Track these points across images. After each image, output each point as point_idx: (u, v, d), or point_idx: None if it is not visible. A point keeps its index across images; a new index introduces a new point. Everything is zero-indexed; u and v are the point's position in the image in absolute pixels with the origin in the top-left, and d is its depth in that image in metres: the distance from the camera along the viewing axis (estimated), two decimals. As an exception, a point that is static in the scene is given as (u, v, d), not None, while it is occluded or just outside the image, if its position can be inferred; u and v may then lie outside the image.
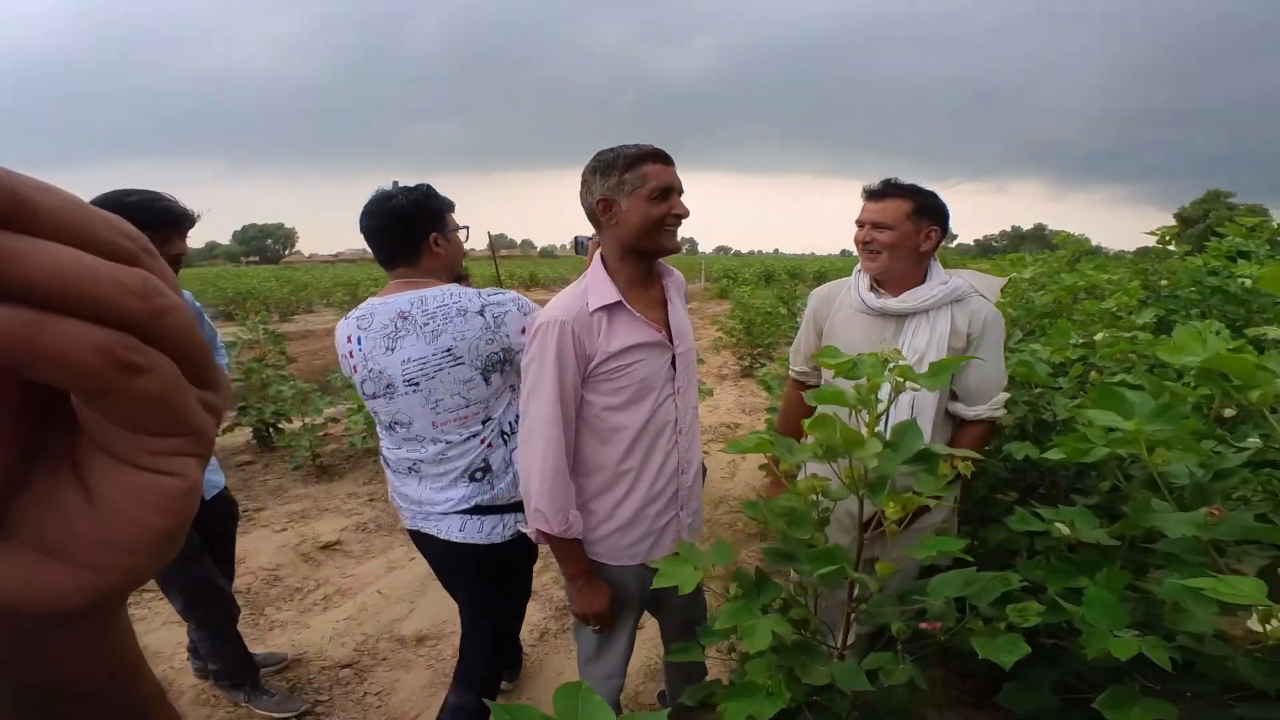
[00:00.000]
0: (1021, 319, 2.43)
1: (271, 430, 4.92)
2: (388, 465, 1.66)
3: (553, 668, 2.42)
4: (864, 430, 0.97)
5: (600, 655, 1.61)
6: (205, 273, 36.42)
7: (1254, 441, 1.27)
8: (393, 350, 1.49)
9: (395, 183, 1.59)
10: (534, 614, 2.68)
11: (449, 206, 1.62)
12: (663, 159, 1.36)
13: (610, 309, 1.37)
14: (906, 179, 1.62)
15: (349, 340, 1.56)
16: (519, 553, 1.68)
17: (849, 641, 1.21)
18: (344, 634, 2.67)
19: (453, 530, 1.59)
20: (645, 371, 1.41)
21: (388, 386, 1.52)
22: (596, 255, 1.45)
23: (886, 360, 0.95)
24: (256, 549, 3.37)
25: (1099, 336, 1.80)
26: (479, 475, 1.56)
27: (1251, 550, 1.10)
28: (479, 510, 1.57)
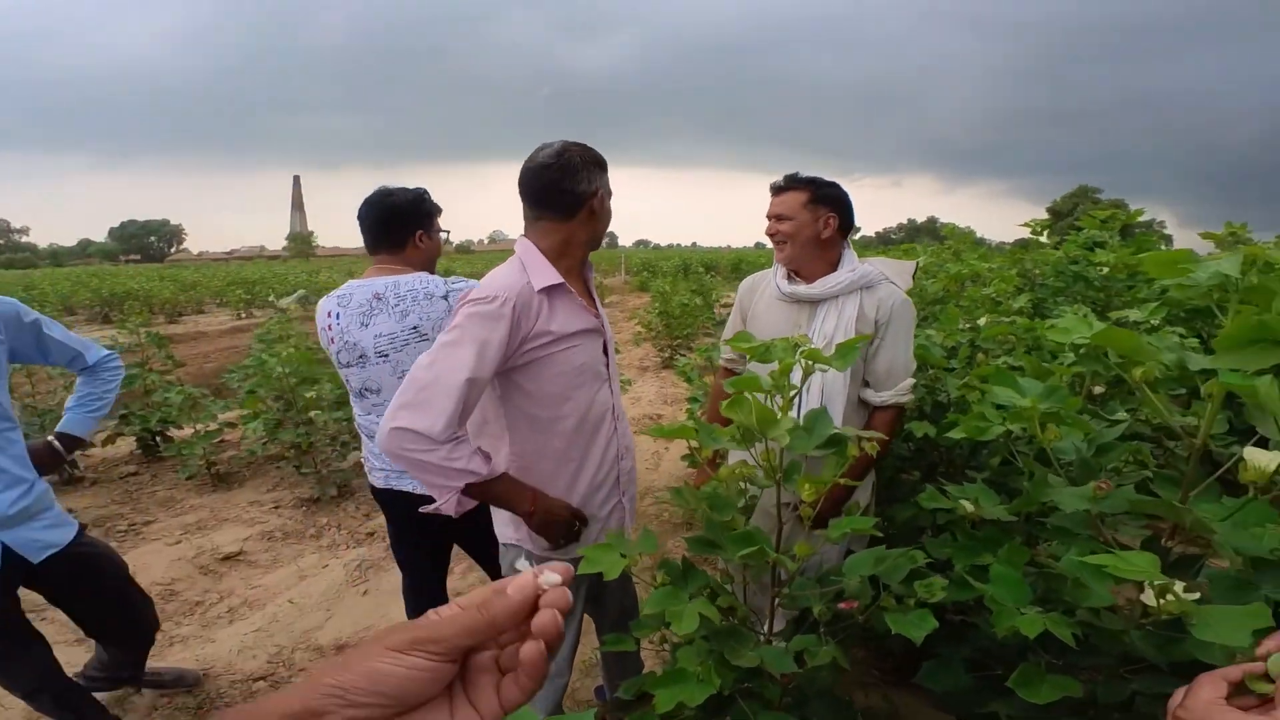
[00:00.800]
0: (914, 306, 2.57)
1: (158, 439, 4.56)
2: (361, 430, 1.87)
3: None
4: (778, 413, 1.01)
5: None
6: (77, 272, 33.07)
7: (1123, 415, 1.40)
8: (366, 325, 1.71)
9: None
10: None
11: (437, 211, 1.86)
12: None
13: (552, 291, 1.36)
14: (812, 173, 1.69)
15: (329, 315, 1.76)
16: None
17: (776, 628, 1.25)
18: (254, 646, 2.54)
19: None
20: (584, 357, 1.41)
21: (360, 356, 1.73)
22: (526, 242, 1.41)
23: (797, 344, 0.99)
24: (147, 564, 3.14)
25: (981, 321, 1.94)
26: None
27: (1126, 520, 1.16)
28: None
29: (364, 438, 1.87)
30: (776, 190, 1.72)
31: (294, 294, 15.88)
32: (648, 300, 10.31)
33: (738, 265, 23.26)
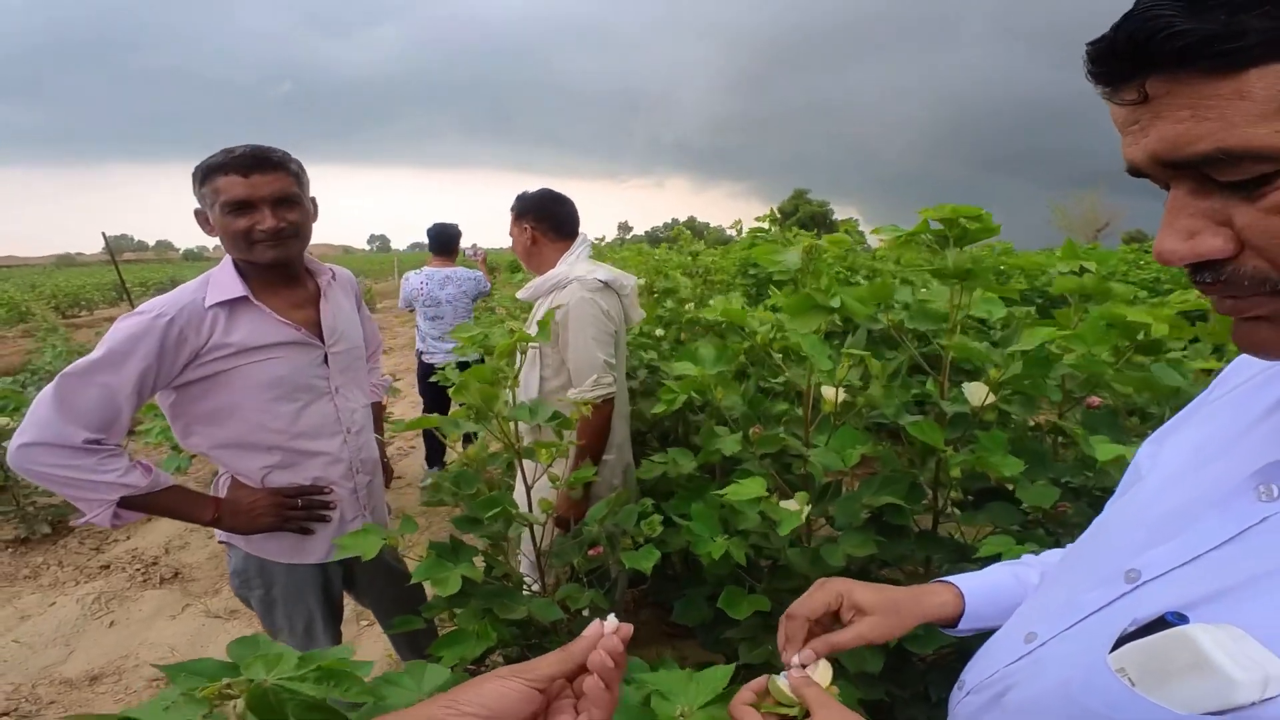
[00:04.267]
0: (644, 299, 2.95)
1: None
2: (420, 334, 3.99)
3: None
4: (506, 394, 1.19)
5: None
6: None
7: (778, 380, 1.75)
8: (444, 288, 3.89)
9: None
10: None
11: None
12: (239, 169, 1.27)
13: (233, 304, 1.32)
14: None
15: (422, 283, 3.89)
16: None
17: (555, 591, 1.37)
18: (-16, 686, 2.32)
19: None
20: (284, 369, 1.36)
21: (439, 303, 3.88)
22: (229, 256, 1.38)
23: (512, 330, 1.19)
24: None
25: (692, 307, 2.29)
26: None
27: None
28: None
29: (428, 337, 3.92)
30: None
31: None
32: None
33: (517, 265, 23.00)
